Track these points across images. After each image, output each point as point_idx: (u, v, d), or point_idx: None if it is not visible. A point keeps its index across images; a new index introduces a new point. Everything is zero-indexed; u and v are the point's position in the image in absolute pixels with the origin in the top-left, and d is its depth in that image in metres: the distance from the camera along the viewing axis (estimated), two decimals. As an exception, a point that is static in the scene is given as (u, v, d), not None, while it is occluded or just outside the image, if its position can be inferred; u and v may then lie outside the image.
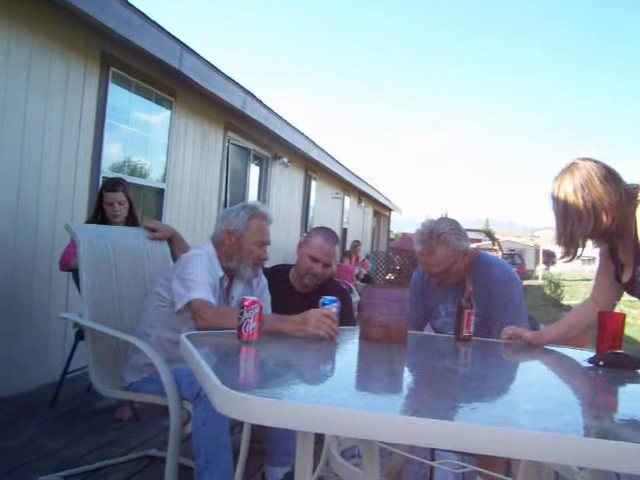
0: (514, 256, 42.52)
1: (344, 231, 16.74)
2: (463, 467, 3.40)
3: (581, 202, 2.35)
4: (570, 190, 2.38)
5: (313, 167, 13.03)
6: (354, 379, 1.95)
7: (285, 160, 10.85)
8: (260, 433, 3.08)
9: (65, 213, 5.06)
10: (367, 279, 13.63)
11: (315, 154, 11.98)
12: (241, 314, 2.17)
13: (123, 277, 3.28)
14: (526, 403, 1.72)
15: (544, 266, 51.98)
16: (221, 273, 2.99)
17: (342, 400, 1.61)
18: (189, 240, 3.67)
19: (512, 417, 1.55)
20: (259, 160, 10.23)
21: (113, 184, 4.44)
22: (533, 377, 2.30)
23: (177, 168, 7.09)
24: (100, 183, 5.35)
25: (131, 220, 4.45)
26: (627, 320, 2.53)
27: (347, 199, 17.31)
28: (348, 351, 2.43)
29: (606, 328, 2.37)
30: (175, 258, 3.42)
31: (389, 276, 18.57)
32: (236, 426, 2.96)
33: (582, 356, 2.42)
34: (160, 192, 6.75)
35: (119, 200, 4.38)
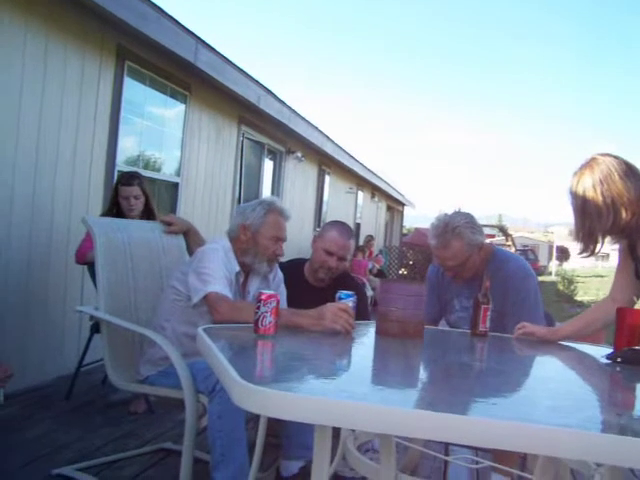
0: (527, 252, 42.31)
1: (357, 226, 16.73)
2: (479, 462, 3.39)
3: (600, 198, 2.33)
4: (589, 185, 2.36)
5: (327, 162, 13.02)
6: (371, 373, 1.95)
7: (299, 155, 10.85)
8: (275, 427, 3.08)
9: (80, 207, 5.07)
10: (380, 274, 13.60)
11: (329, 148, 11.97)
12: (258, 308, 2.17)
13: (139, 270, 3.29)
14: (544, 399, 1.72)
15: (557, 262, 51.78)
16: (237, 268, 2.99)
17: (360, 394, 1.60)
18: (203, 234, 3.68)
19: (531, 412, 1.55)
20: (273, 154, 10.23)
21: (129, 178, 4.44)
22: (550, 373, 2.29)
23: (191, 162, 7.10)
24: (115, 177, 5.37)
25: (147, 213, 4.45)
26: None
27: (360, 194, 17.29)
28: (364, 345, 2.43)
29: (624, 324, 2.35)
30: (191, 252, 3.43)
31: (402, 271, 18.53)
32: (250, 420, 2.97)
33: (599, 352, 2.41)
34: (175, 186, 6.76)
35: (135, 194, 4.38)
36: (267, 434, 2.55)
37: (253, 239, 3.01)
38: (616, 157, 2.40)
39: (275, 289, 3.06)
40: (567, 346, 2.66)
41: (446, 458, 3.56)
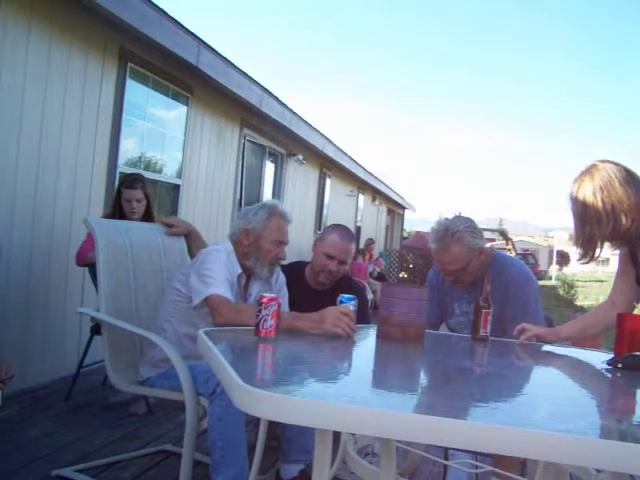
0: (527, 256, 42.31)
1: (358, 229, 16.73)
2: (479, 467, 3.40)
3: (600, 204, 2.34)
4: (589, 192, 2.37)
5: (328, 165, 13.03)
6: (372, 377, 1.95)
7: (300, 157, 10.85)
8: (275, 430, 3.08)
9: (81, 208, 5.08)
10: (381, 277, 13.62)
11: (330, 151, 11.97)
12: (259, 311, 2.17)
13: (140, 272, 3.29)
14: (545, 404, 1.72)
15: (557, 266, 51.78)
16: (239, 270, 3.00)
17: (361, 398, 1.61)
18: (204, 236, 3.68)
19: (531, 418, 1.55)
20: (274, 157, 10.24)
21: (132, 181, 4.44)
22: (551, 378, 2.29)
23: (193, 164, 7.10)
24: (117, 178, 5.38)
25: (146, 217, 4.45)
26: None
27: (361, 197, 17.30)
28: (365, 349, 2.43)
29: (625, 330, 2.35)
30: (192, 254, 3.43)
31: (402, 274, 18.55)
32: (250, 423, 2.97)
33: (600, 358, 2.41)
34: (176, 188, 6.77)
35: (137, 198, 4.39)
36: (267, 437, 2.55)
37: (255, 243, 3.01)
38: (616, 164, 2.41)
39: (277, 292, 3.06)
40: (567, 352, 2.67)
41: (446, 462, 3.56)
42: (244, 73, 7.36)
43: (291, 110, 9.28)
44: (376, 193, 19.24)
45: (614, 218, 2.34)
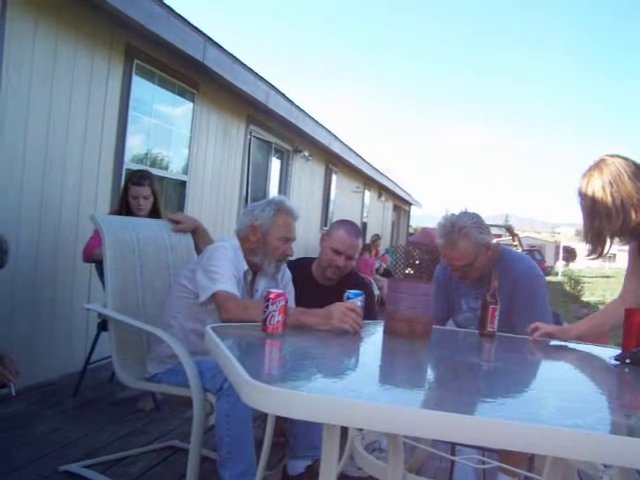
0: (534, 252, 42.17)
1: (364, 225, 16.72)
2: (486, 463, 3.39)
3: (610, 199, 2.33)
4: (598, 187, 2.36)
5: (334, 161, 13.02)
6: (379, 373, 1.95)
7: (306, 154, 10.85)
8: (282, 425, 3.08)
9: (88, 204, 5.09)
10: (387, 273, 13.61)
11: (336, 148, 11.96)
12: (266, 307, 2.17)
13: (147, 268, 3.30)
14: (553, 400, 1.71)
15: (564, 262, 51.66)
16: (245, 266, 3.00)
17: (368, 394, 1.60)
18: (211, 232, 3.68)
19: (539, 413, 1.55)
20: (280, 153, 10.24)
21: (139, 177, 4.42)
22: (559, 374, 2.28)
23: (199, 160, 7.11)
24: (123, 175, 5.38)
25: (154, 214, 4.44)
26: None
27: (367, 193, 17.29)
28: (372, 345, 2.43)
29: (633, 325, 2.34)
30: (199, 250, 3.43)
31: (408, 270, 18.53)
32: (257, 419, 2.97)
33: (608, 353, 2.40)
34: (182, 184, 6.77)
35: (144, 194, 4.36)
36: (274, 433, 2.55)
37: (263, 240, 3.01)
38: (625, 158, 2.40)
39: (283, 288, 3.05)
40: (575, 347, 2.66)
41: (453, 458, 3.56)
42: (250, 69, 7.35)
43: (298, 106, 9.27)
44: (382, 189, 19.22)
45: (623, 213, 2.32)
